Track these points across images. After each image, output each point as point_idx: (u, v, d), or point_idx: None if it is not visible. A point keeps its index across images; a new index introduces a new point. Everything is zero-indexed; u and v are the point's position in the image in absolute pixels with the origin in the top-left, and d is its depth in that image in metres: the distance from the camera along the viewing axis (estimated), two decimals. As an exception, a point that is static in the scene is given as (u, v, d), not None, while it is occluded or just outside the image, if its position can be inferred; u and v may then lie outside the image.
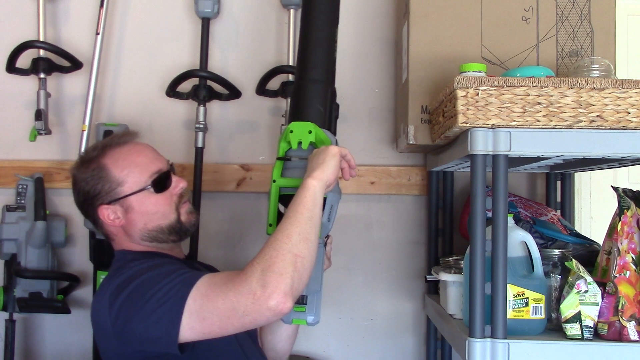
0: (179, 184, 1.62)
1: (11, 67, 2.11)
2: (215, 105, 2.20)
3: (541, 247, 1.62)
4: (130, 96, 2.22)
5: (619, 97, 1.43)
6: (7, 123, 2.21)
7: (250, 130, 2.22)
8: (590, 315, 1.46)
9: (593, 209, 2.32)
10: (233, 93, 2.16)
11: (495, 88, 1.43)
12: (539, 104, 1.43)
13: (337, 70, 1.73)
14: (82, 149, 2.04)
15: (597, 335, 1.48)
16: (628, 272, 1.48)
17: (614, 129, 1.44)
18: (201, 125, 2.11)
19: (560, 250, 1.62)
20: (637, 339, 1.46)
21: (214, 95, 2.15)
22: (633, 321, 1.46)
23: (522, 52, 1.82)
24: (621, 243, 1.50)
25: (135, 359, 1.48)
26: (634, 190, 1.58)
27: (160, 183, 1.59)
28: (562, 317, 1.48)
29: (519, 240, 1.54)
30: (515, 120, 1.43)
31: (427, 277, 1.94)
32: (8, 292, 2.06)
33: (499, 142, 1.43)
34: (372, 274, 2.22)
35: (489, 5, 1.82)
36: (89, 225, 1.72)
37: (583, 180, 2.31)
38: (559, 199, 2.14)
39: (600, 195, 2.31)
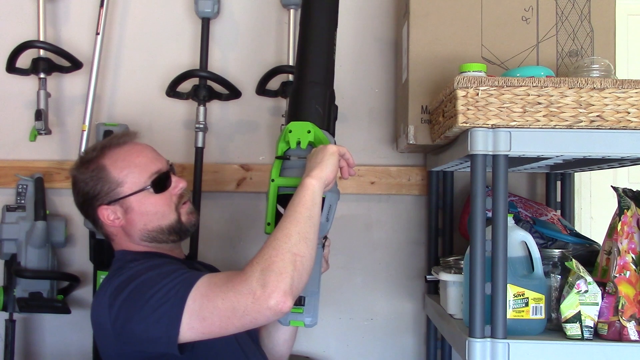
0: (178, 184, 1.62)
1: (11, 67, 2.11)
2: (215, 105, 2.20)
3: (541, 247, 1.62)
4: (130, 96, 2.22)
5: (619, 97, 1.43)
6: (7, 123, 2.21)
7: (250, 130, 2.22)
8: (590, 315, 1.46)
9: (593, 209, 2.32)
10: (233, 93, 2.16)
11: (495, 88, 1.43)
12: (539, 104, 1.43)
13: (337, 70, 1.74)
14: (82, 149, 2.04)
15: (597, 335, 1.48)
16: (628, 272, 1.48)
17: (614, 129, 1.44)
18: (201, 125, 2.11)
19: (560, 250, 1.62)
20: (637, 339, 1.46)
21: (214, 95, 2.15)
22: (633, 321, 1.46)
23: (522, 52, 1.82)
24: (621, 243, 1.50)
25: (135, 359, 1.48)
26: (634, 190, 1.58)
27: (160, 183, 1.59)
28: (562, 317, 1.48)
29: (519, 240, 1.54)
30: (515, 120, 1.43)
31: (427, 277, 1.94)
32: (8, 292, 2.06)
33: (499, 142, 1.43)
34: (371, 274, 2.22)
35: (489, 5, 1.82)
36: (89, 225, 1.72)
37: (583, 180, 2.31)
38: (559, 199, 2.14)
39: (600, 195, 2.31)
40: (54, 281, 2.11)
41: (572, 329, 1.47)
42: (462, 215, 2.11)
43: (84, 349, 2.16)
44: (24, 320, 2.19)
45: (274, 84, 2.14)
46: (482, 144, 1.44)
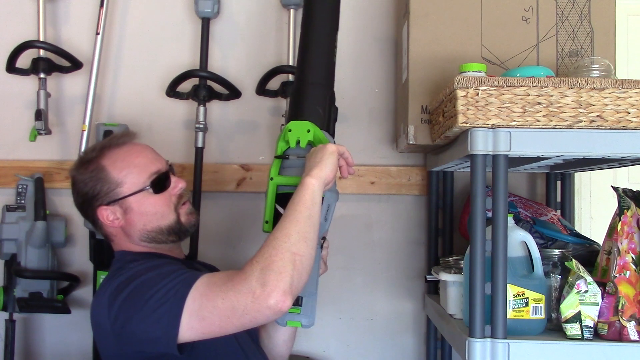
0: (178, 185, 1.62)
1: (11, 67, 2.11)
2: (215, 105, 2.20)
3: (541, 247, 1.62)
4: (130, 96, 2.22)
5: (619, 97, 1.43)
6: (7, 123, 2.21)
7: (250, 130, 2.22)
8: (590, 315, 1.46)
9: (593, 209, 2.32)
10: (233, 93, 2.16)
11: (495, 88, 1.43)
12: (539, 104, 1.43)
13: (337, 70, 1.74)
14: (82, 149, 2.04)
15: (597, 335, 1.48)
16: (628, 272, 1.48)
17: (614, 129, 1.44)
18: (201, 125, 2.11)
19: (560, 250, 1.62)
20: (637, 339, 1.46)
21: (214, 95, 2.15)
22: (633, 321, 1.46)
23: (522, 52, 1.82)
24: (621, 243, 1.50)
25: (135, 359, 1.48)
26: (634, 190, 1.58)
27: (159, 184, 1.59)
28: (562, 317, 1.48)
29: (519, 240, 1.54)
30: (515, 120, 1.43)
31: (427, 277, 1.94)
32: (8, 292, 2.06)
33: (499, 142, 1.43)
34: (372, 274, 2.22)
35: (489, 5, 1.82)
36: (89, 225, 1.72)
37: (583, 180, 2.31)
38: (559, 199, 2.14)
39: (600, 195, 2.31)
40: (54, 281, 2.11)
41: (572, 329, 1.47)
42: (462, 215, 2.11)
43: (84, 349, 2.16)
44: (24, 320, 2.19)
45: (274, 84, 2.14)
46: (482, 144, 1.44)
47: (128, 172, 1.57)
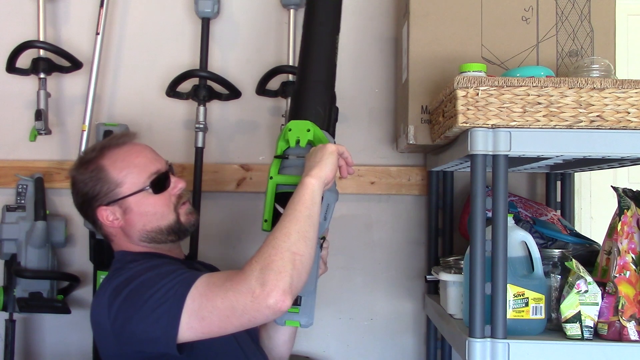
0: (177, 185, 1.62)
1: (11, 67, 2.11)
2: (215, 105, 2.20)
3: (541, 247, 1.62)
4: (130, 96, 2.22)
5: (619, 97, 1.43)
6: (7, 123, 2.21)
7: (250, 130, 2.22)
8: (590, 315, 1.46)
9: (593, 209, 2.32)
10: (233, 93, 2.16)
11: (495, 88, 1.43)
12: (539, 104, 1.43)
13: (337, 70, 1.74)
14: (82, 149, 2.04)
15: (597, 335, 1.48)
16: (628, 272, 1.48)
17: (614, 129, 1.44)
18: (201, 125, 2.11)
19: (560, 250, 1.62)
20: (637, 339, 1.46)
21: (214, 95, 2.15)
22: (633, 321, 1.46)
23: (522, 52, 1.82)
24: (621, 243, 1.50)
25: (134, 359, 1.48)
26: (634, 190, 1.58)
27: (159, 184, 1.59)
28: (562, 317, 1.48)
29: (519, 240, 1.54)
30: (515, 120, 1.43)
31: (427, 277, 1.94)
32: (8, 292, 2.06)
33: (499, 142, 1.43)
34: (372, 274, 2.22)
35: (489, 5, 1.82)
36: (89, 225, 1.72)
37: (583, 180, 2.31)
38: (559, 199, 2.14)
39: (600, 195, 2.31)
40: (54, 281, 2.11)
41: (572, 329, 1.47)
42: (462, 215, 2.11)
43: (84, 349, 2.16)
44: (24, 320, 2.19)
45: (274, 84, 2.14)
46: (482, 144, 1.44)
47: (128, 172, 1.57)
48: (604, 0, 1.84)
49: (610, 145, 1.45)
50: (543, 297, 1.50)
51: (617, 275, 1.48)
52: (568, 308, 1.47)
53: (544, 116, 1.43)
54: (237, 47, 2.23)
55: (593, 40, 1.83)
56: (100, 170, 1.57)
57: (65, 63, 2.14)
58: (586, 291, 1.47)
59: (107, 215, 1.58)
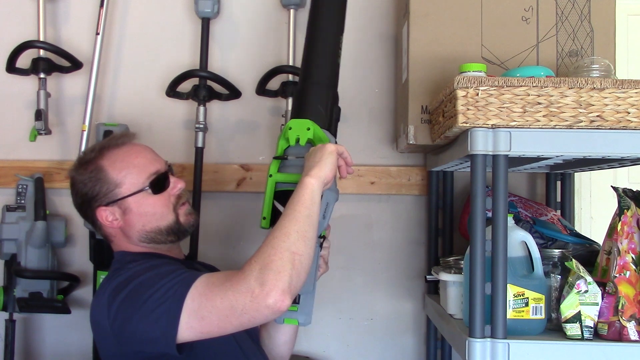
0: (177, 185, 1.62)
1: (11, 67, 2.11)
2: (215, 105, 2.20)
3: (541, 247, 1.62)
4: (130, 96, 2.22)
5: (619, 97, 1.43)
6: (7, 123, 2.21)
7: (250, 130, 2.22)
8: (590, 315, 1.46)
9: (593, 209, 2.32)
10: (233, 93, 2.16)
11: (495, 88, 1.43)
12: (539, 104, 1.43)
13: (337, 70, 1.74)
14: (82, 149, 2.04)
15: (597, 335, 1.48)
16: (628, 272, 1.48)
17: (614, 129, 1.44)
18: (201, 125, 2.11)
19: (560, 250, 1.62)
20: (637, 339, 1.46)
21: (214, 95, 2.15)
22: (633, 321, 1.46)
23: (522, 52, 1.82)
24: (621, 243, 1.50)
25: (134, 359, 1.48)
26: (634, 190, 1.58)
27: (158, 184, 1.59)
28: (562, 317, 1.48)
29: (519, 240, 1.54)
30: (515, 120, 1.43)
31: (427, 277, 1.94)
32: (8, 292, 2.06)
33: (499, 142, 1.43)
34: (372, 274, 2.22)
35: (489, 5, 1.82)
36: (89, 225, 1.72)
37: (583, 180, 2.31)
38: (559, 199, 2.14)
39: (600, 195, 2.31)
40: (54, 281, 2.11)
41: (572, 329, 1.47)
42: (462, 215, 2.11)
43: (84, 349, 2.16)
44: (24, 320, 2.19)
45: (274, 84, 2.14)
46: (482, 144, 1.44)
47: (127, 173, 1.57)
48: (604, 0, 1.84)
49: (610, 145, 1.45)
50: (543, 297, 1.49)
51: (617, 275, 1.48)
52: (568, 308, 1.47)
53: (544, 116, 1.43)
54: (237, 47, 2.23)
55: (593, 40, 1.83)
56: (99, 171, 1.57)
57: (65, 63, 2.14)
58: (586, 291, 1.47)
59: (107, 215, 1.58)
